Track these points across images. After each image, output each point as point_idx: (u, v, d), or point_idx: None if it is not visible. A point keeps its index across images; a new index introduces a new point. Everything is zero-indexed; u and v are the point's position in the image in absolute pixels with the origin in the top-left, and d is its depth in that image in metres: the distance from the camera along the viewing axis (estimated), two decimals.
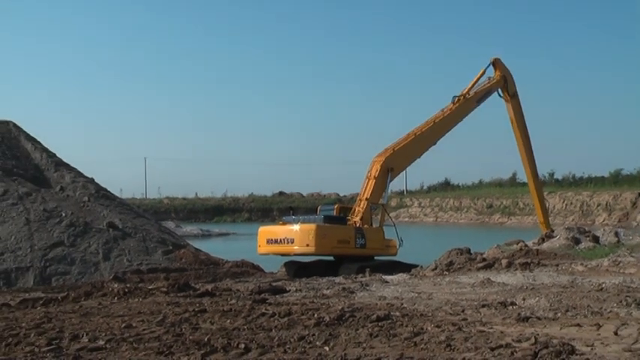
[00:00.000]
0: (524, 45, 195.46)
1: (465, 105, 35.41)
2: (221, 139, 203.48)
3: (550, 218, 41.61)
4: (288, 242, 30.11)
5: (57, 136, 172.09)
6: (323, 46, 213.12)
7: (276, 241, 30.60)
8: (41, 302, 19.71)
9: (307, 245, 29.63)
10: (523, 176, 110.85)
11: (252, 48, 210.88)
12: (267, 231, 31.89)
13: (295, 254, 30.72)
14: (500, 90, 37.54)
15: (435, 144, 34.88)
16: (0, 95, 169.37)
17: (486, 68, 36.87)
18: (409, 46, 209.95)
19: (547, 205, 40.39)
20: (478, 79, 36.28)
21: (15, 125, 41.37)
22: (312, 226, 30.05)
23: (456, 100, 34.98)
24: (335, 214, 32.12)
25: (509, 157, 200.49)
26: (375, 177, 32.10)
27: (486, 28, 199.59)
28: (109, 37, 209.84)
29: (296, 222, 31.00)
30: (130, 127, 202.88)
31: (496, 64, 37.21)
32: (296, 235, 30.03)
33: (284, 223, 31.55)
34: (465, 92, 35.43)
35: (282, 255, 31.45)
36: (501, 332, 12.95)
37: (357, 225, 31.15)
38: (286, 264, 31.84)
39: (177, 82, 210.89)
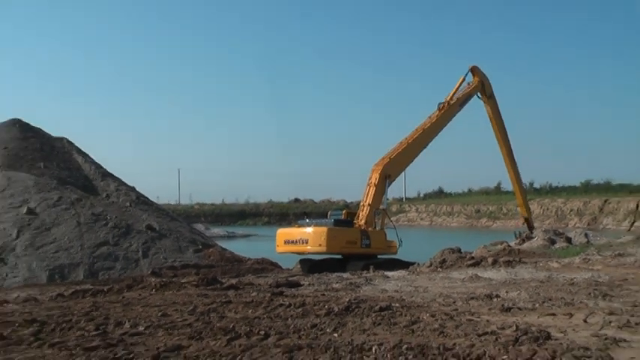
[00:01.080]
0: (501, 64, 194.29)
1: (450, 110, 35.27)
2: (245, 152, 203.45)
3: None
4: (302, 243, 30.14)
5: (104, 150, 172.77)
6: (330, 64, 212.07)
7: (292, 242, 30.62)
8: (90, 293, 19.74)
9: (319, 245, 29.67)
10: (507, 185, 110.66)
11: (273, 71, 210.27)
12: (284, 233, 31.78)
13: (309, 253, 30.72)
14: (478, 93, 37.52)
15: (425, 147, 34.81)
16: (55, 114, 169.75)
17: (465, 75, 36.82)
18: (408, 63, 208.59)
19: (525, 189, 40.18)
20: (459, 85, 36.15)
21: (68, 141, 41.50)
22: (324, 229, 30.11)
23: (442, 106, 34.84)
24: (343, 218, 32.15)
25: (495, 169, 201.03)
26: (375, 184, 32.06)
27: (466, 48, 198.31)
28: (152, 59, 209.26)
29: (309, 225, 31.00)
30: (165, 142, 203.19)
31: (474, 70, 37.19)
32: (310, 237, 30.07)
33: (299, 226, 31.47)
34: (448, 99, 35.27)
35: (298, 254, 31.41)
36: (487, 321, 12.94)
37: (362, 228, 31.15)
38: (301, 261, 31.83)
39: (209, 103, 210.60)
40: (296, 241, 30.47)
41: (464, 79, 36.54)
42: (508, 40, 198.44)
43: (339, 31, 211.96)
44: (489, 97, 37.76)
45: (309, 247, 30.07)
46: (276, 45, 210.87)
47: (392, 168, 32.76)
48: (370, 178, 32.41)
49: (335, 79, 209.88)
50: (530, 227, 41.74)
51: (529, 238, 37.02)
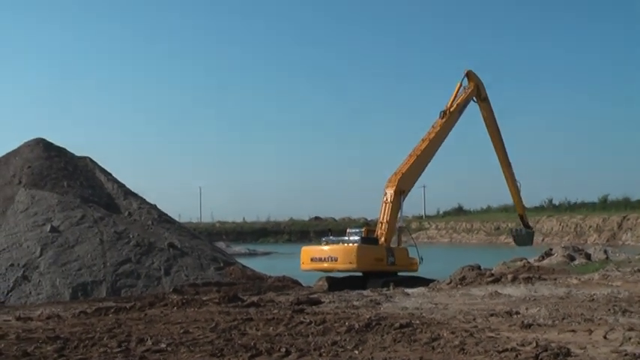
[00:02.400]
0: (522, 76, 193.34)
1: (452, 117, 35.06)
2: (265, 170, 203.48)
3: (548, 239, 41.56)
4: (332, 260, 29.90)
5: (126, 169, 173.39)
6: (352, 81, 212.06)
7: (320, 259, 30.34)
8: (112, 310, 19.82)
9: (350, 263, 29.59)
10: (526, 202, 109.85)
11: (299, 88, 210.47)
12: (310, 250, 31.54)
13: (339, 270, 30.49)
14: (474, 97, 37.36)
15: (433, 157, 34.76)
16: (78, 134, 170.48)
17: (462, 80, 36.46)
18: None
19: (519, 186, 40.17)
20: (457, 92, 35.83)
21: (91, 160, 41.67)
22: (354, 246, 30.05)
23: (444, 114, 34.71)
24: (364, 235, 31.94)
25: None
26: (390, 201, 31.99)
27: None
28: (174, 79, 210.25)
29: (337, 242, 30.96)
30: (187, 161, 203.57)
31: (469, 75, 36.83)
32: (340, 254, 29.90)
33: (327, 244, 31.30)
34: (449, 106, 35.05)
35: (326, 271, 31.12)
36: (507, 337, 12.89)
37: (386, 245, 31.11)
38: (326, 278, 31.58)
39: (229, 122, 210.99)
40: (324, 259, 30.21)
41: (461, 85, 36.32)
42: (533, 51, 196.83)
43: (354, 42, 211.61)
44: (484, 101, 37.55)
45: (339, 265, 29.89)
46: (289, 65, 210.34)
47: (404, 183, 32.61)
48: (385, 195, 32.31)
49: (352, 94, 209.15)
50: (526, 225, 42.87)
51: (548, 254, 36.87)
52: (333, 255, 30.10)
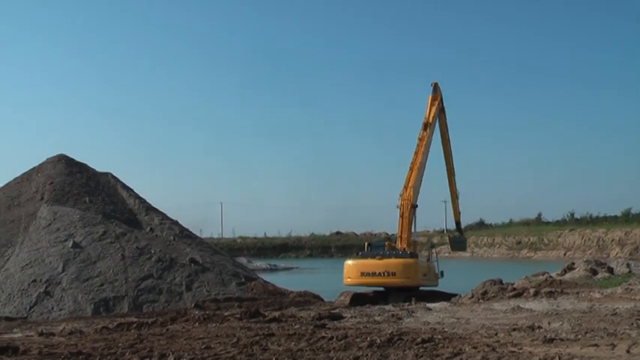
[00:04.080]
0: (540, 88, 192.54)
1: (432, 128, 35.42)
2: (286, 185, 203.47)
3: (570, 253, 41.34)
4: (389, 275, 29.71)
5: (147, 185, 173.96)
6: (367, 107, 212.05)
7: (374, 274, 30.03)
8: (134, 326, 19.87)
9: (407, 277, 29.65)
10: (548, 216, 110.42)
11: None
12: (362, 264, 30.83)
13: (394, 285, 30.19)
14: None
15: (425, 167, 34.81)
16: (100, 150, 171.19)
17: (433, 93, 36.72)
18: None
19: (458, 194, 40.05)
20: (431, 103, 36.14)
21: (113, 176, 41.91)
22: (412, 261, 30.24)
23: (426, 126, 34.92)
24: (386, 249, 31.78)
25: (535, 199, 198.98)
26: (406, 216, 32.04)
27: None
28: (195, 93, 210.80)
29: (390, 257, 30.73)
30: (208, 176, 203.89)
31: (436, 86, 37.09)
32: (398, 269, 29.78)
33: (382, 258, 30.76)
34: (429, 118, 35.38)
35: (377, 286, 30.78)
36: (530, 352, 12.81)
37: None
38: (356, 294, 31.24)
39: (250, 138, 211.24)
40: (380, 273, 29.95)
41: (432, 97, 36.59)
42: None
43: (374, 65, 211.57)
44: (441, 111, 37.70)
45: (396, 280, 29.70)
46: (313, 82, 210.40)
47: (414, 196, 32.79)
48: (401, 211, 32.35)
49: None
50: (460, 231, 42.55)
51: (570, 268, 36.68)
52: (390, 270, 29.87)
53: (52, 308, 28.02)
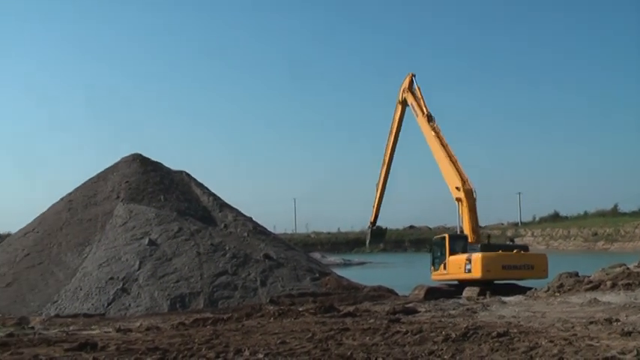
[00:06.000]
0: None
1: (432, 119, 34.44)
2: (358, 180, 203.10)
3: None
4: (527, 268, 29.60)
5: (221, 182, 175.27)
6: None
7: (514, 267, 29.60)
8: (210, 322, 20.04)
9: (543, 271, 29.66)
10: (624, 207, 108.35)
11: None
12: (503, 257, 30.06)
13: (528, 279, 29.85)
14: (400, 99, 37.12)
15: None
16: (175, 148, 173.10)
17: (410, 86, 36.26)
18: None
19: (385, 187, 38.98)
20: (421, 94, 35.51)
21: (187, 174, 42.35)
22: (544, 255, 30.84)
23: (431, 118, 34.11)
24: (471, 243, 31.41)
25: (611, 190, 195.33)
26: (474, 208, 31.73)
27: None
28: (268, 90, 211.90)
29: (520, 249, 31.22)
30: (281, 173, 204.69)
31: (413, 77, 36.47)
32: (535, 262, 29.89)
33: (519, 252, 30.69)
34: (427, 110, 34.54)
35: (515, 279, 30.14)
36: (607, 346, 12.58)
37: None
38: (430, 288, 30.86)
39: (322, 133, 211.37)
40: (519, 267, 29.65)
41: (418, 88, 35.97)
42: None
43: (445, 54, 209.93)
44: (405, 103, 36.98)
45: (534, 273, 29.51)
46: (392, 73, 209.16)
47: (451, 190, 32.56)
48: (466, 203, 31.84)
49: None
50: (373, 224, 40.74)
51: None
52: (529, 263, 29.91)
53: (129, 305, 28.41)
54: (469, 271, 29.40)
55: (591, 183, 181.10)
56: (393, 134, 38.14)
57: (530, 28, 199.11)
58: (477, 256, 29.27)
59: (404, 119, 37.48)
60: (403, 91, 36.74)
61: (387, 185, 38.87)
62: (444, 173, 33.02)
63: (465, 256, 29.94)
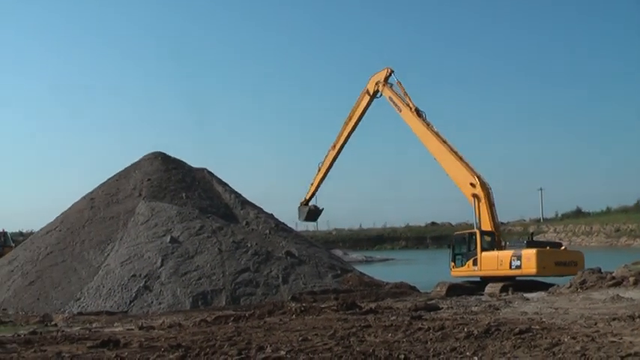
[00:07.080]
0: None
1: (421, 114, 34.03)
2: (382, 176, 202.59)
3: None
4: (573, 265, 29.68)
5: (242, 179, 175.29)
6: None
7: (564, 264, 29.81)
8: (232, 319, 20.11)
9: (582, 267, 29.42)
10: None
11: None
12: (556, 253, 30.38)
13: (573, 275, 29.92)
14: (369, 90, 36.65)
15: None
16: (198, 146, 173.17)
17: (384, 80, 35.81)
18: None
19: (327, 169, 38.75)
20: (403, 92, 34.91)
21: (209, 172, 42.41)
22: (582, 253, 31.15)
23: (419, 112, 33.68)
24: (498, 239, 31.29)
25: (634, 186, 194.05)
26: (492, 204, 31.50)
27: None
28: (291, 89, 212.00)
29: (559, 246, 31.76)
30: (303, 169, 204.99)
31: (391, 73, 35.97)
32: (579, 259, 30.20)
33: (566, 249, 31.48)
34: (414, 104, 34.04)
35: (563, 276, 30.01)
36: (630, 342, 12.53)
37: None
38: (452, 285, 30.70)
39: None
40: (567, 263, 29.86)
41: (399, 82, 35.52)
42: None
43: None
44: (375, 95, 36.65)
45: (577, 270, 29.38)
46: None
47: (463, 187, 32.23)
48: (484, 200, 31.45)
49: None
50: (306, 203, 40.62)
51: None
52: (574, 259, 30.18)
53: (152, 302, 28.54)
54: (518, 267, 29.16)
55: (614, 179, 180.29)
56: (353, 121, 37.79)
57: (552, 24, 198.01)
58: (531, 252, 29.16)
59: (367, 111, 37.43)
60: (377, 83, 36.09)
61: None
62: (451, 170, 32.53)
63: (509, 252, 29.87)
